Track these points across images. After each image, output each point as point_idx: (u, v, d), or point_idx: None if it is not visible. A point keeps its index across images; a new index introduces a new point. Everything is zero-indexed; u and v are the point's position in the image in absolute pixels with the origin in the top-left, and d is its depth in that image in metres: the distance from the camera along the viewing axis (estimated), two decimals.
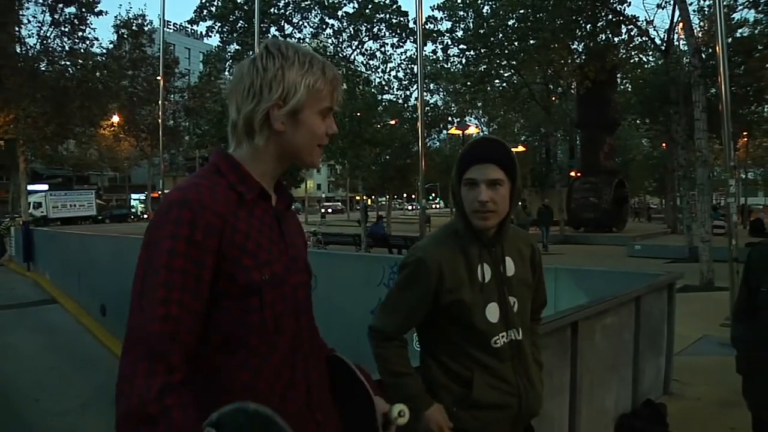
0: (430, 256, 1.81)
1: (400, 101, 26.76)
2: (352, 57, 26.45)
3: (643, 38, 21.33)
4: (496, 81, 28.76)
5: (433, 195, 63.35)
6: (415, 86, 23.98)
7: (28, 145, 25.54)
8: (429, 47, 26.62)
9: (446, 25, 26.82)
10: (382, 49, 26.23)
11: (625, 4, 19.92)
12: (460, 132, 29.46)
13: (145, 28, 33.78)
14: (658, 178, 42.17)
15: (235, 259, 1.19)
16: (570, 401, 3.71)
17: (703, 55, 15.78)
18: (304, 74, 1.27)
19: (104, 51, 28.91)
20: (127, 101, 34.20)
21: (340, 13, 25.20)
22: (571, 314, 3.71)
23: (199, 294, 1.16)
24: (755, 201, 50.99)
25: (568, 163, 39.63)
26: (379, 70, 26.63)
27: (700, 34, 20.08)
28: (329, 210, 63.80)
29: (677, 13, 16.96)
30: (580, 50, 23.54)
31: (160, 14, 24.74)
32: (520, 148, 37.38)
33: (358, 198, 36.14)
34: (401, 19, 25.04)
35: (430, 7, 26.09)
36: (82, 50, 25.57)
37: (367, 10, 24.63)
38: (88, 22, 25.15)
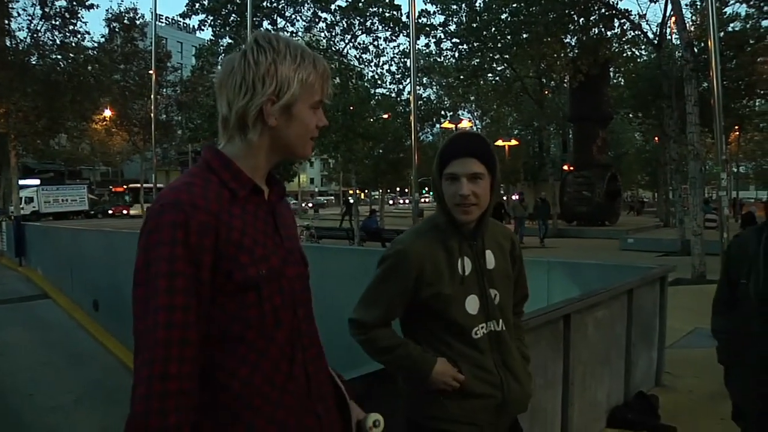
0: (411, 249, 1.83)
1: (393, 95, 26.75)
2: (345, 51, 26.39)
3: (636, 32, 21.41)
4: (489, 75, 28.76)
5: (426, 189, 63.40)
6: (408, 80, 23.97)
7: (19, 139, 25.41)
8: (422, 41, 26.57)
9: (439, 18, 26.76)
10: (375, 42, 26.20)
11: None
12: (453, 126, 29.51)
13: (137, 22, 33.63)
14: (650, 172, 42.30)
15: (231, 257, 1.19)
16: (563, 393, 3.73)
17: (696, 50, 15.81)
18: (297, 68, 1.26)
19: (96, 45, 28.76)
20: (119, 95, 34.05)
21: (332, 6, 25.13)
22: (563, 307, 3.73)
23: (201, 296, 1.16)
24: (747, 195, 51.32)
25: (561, 156, 39.74)
26: (372, 64, 26.61)
27: (692, 29, 20.12)
28: (312, 204, 60.52)
29: (669, 7, 17.03)
30: (573, 44, 23.58)
31: (151, 8, 24.69)
32: (513, 142, 37.49)
33: (351, 192, 36.11)
34: (394, 12, 24.97)
35: (423, 0, 25.95)
36: (73, 44, 25.43)
37: (360, 4, 24.54)
38: (79, 15, 25.04)
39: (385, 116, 25.04)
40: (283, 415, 1.24)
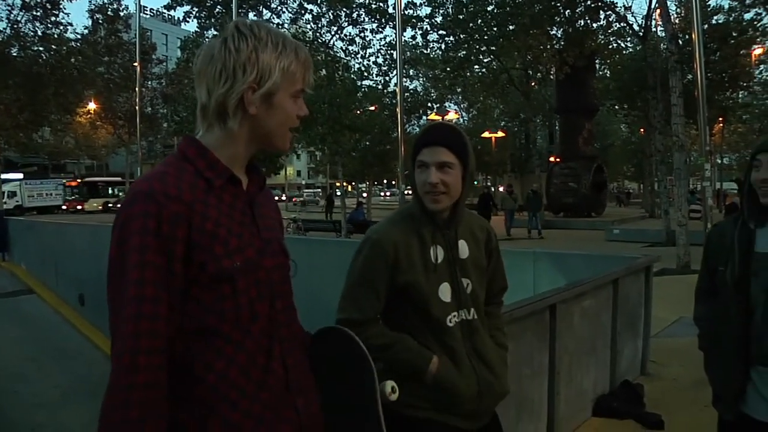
0: (385, 237, 1.85)
1: (380, 87, 26.68)
2: (332, 42, 26.29)
3: (622, 24, 21.46)
4: (476, 67, 28.76)
5: None
6: (394, 72, 23.89)
7: (1, 133, 25.07)
8: (408, 33, 26.58)
9: (425, 10, 26.69)
10: (362, 34, 26.09)
11: None
12: (439, 118, 29.46)
13: (121, 14, 33.19)
14: (636, 163, 42.55)
15: (205, 248, 1.18)
16: (549, 383, 3.76)
17: (680, 42, 15.93)
18: (279, 56, 1.24)
19: (79, 36, 28.41)
20: (103, 88, 33.64)
21: None
22: (549, 297, 3.75)
23: (173, 287, 1.15)
24: (731, 186, 51.78)
25: (548, 148, 39.91)
26: (359, 55, 26.51)
27: (676, 21, 20.24)
28: (297, 198, 58.13)
29: None
30: (559, 36, 23.57)
31: None
32: (500, 134, 37.58)
33: (338, 184, 36.05)
34: (380, 4, 24.89)
35: None
36: (55, 35, 25.12)
37: None
38: (61, 6, 24.69)
39: (372, 108, 24.98)
40: (260, 409, 1.22)
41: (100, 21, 32.29)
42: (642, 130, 32.57)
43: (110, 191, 46.16)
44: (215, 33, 23.76)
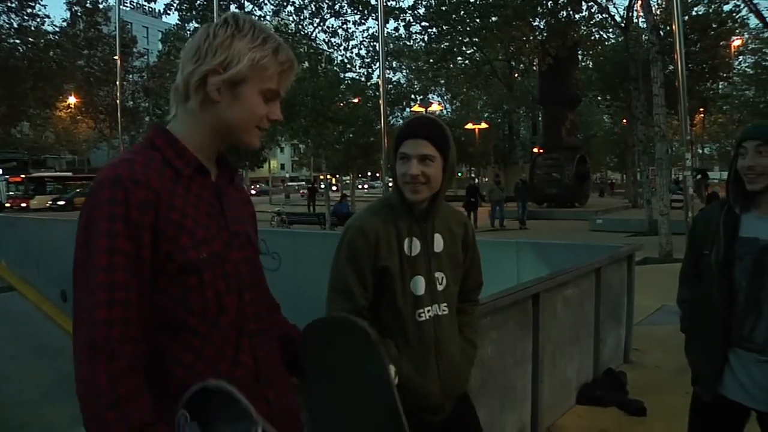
0: (366, 224, 1.87)
1: (363, 79, 26.60)
2: (314, 35, 26.15)
3: (603, 15, 21.55)
4: (459, 58, 28.77)
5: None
6: (377, 64, 23.84)
7: None
8: (391, 24, 26.46)
9: (408, 1, 26.71)
10: (344, 26, 26.00)
11: None
12: (423, 109, 29.49)
13: (100, 6, 32.71)
14: (618, 154, 42.88)
15: (171, 238, 1.16)
16: (532, 372, 3.78)
17: (661, 33, 16.01)
18: (253, 48, 1.23)
19: (57, 29, 27.96)
20: (83, 82, 33.23)
21: None
22: (531, 286, 3.77)
23: (142, 274, 1.13)
24: (712, 175, 52.35)
25: (531, 139, 40.12)
26: (342, 47, 26.40)
27: (658, 12, 20.29)
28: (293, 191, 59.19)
29: None
30: (542, 27, 23.62)
31: None
32: (483, 125, 37.68)
33: (322, 177, 35.95)
34: None
35: None
36: (32, 28, 24.70)
37: None
38: None
39: (355, 100, 24.91)
40: None
41: (79, 13, 31.79)
42: (624, 120, 32.78)
43: (81, 188, 42.30)
44: (196, 25, 23.54)
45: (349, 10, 25.32)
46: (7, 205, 39.37)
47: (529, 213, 22.85)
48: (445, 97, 42.68)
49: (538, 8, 21.75)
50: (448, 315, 1.92)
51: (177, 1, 24.00)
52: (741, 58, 31.93)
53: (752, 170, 2.02)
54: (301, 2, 25.17)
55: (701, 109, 28.92)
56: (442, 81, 33.78)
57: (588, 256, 5.16)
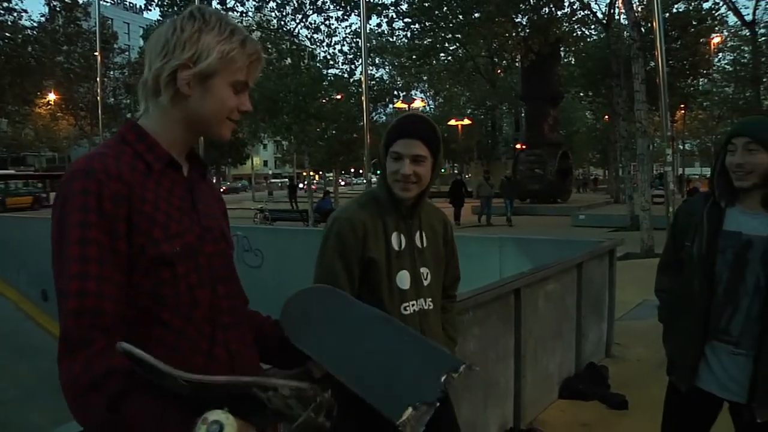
0: (355, 216, 1.89)
1: (346, 76, 26.52)
2: (297, 31, 26.01)
3: (585, 12, 21.69)
4: (441, 55, 28.81)
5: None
6: (360, 60, 23.79)
7: None
8: (374, 21, 26.41)
9: None
10: (327, 22, 25.87)
11: None
12: (406, 106, 29.49)
13: (80, 1, 32.27)
14: (601, 150, 43.13)
15: (144, 231, 1.16)
16: (515, 366, 3.80)
17: (642, 29, 16.13)
18: (221, 41, 1.23)
19: (35, 25, 27.56)
20: (63, 78, 32.75)
21: None
22: (513, 281, 3.79)
23: (117, 265, 1.12)
24: (692, 171, 52.90)
25: (514, 135, 40.20)
26: (324, 44, 26.31)
27: (639, 9, 20.46)
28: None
29: None
30: (524, 24, 23.73)
31: None
32: (466, 122, 37.73)
33: (305, 174, 35.85)
34: None
35: None
36: (9, 23, 24.31)
37: None
38: None
39: (338, 97, 24.84)
40: None
41: (58, 9, 31.32)
42: (606, 116, 32.99)
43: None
44: None
45: (331, 6, 25.26)
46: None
47: (513, 209, 22.90)
48: (428, 94, 42.80)
49: (521, 5, 21.87)
50: (433, 310, 1.95)
51: None
52: (720, 55, 32.31)
53: (741, 168, 2.04)
54: None
55: (682, 106, 29.18)
56: (425, 77, 33.90)
57: (570, 252, 5.19)
